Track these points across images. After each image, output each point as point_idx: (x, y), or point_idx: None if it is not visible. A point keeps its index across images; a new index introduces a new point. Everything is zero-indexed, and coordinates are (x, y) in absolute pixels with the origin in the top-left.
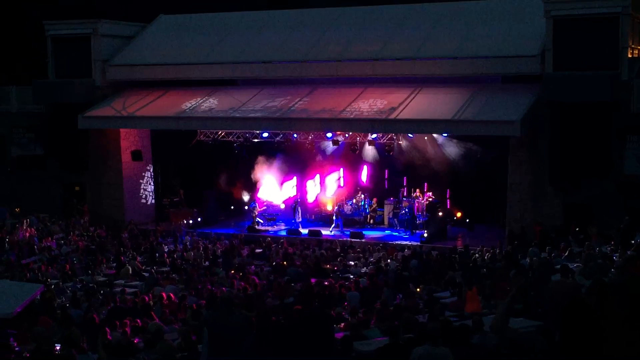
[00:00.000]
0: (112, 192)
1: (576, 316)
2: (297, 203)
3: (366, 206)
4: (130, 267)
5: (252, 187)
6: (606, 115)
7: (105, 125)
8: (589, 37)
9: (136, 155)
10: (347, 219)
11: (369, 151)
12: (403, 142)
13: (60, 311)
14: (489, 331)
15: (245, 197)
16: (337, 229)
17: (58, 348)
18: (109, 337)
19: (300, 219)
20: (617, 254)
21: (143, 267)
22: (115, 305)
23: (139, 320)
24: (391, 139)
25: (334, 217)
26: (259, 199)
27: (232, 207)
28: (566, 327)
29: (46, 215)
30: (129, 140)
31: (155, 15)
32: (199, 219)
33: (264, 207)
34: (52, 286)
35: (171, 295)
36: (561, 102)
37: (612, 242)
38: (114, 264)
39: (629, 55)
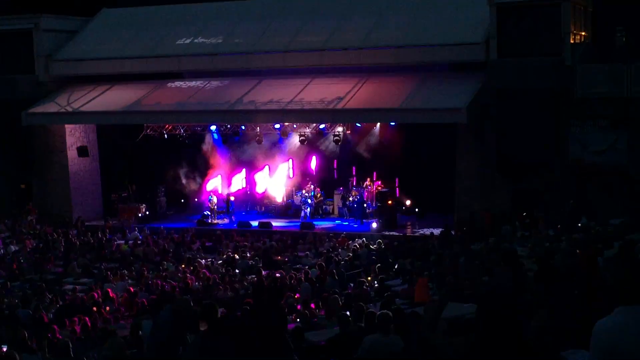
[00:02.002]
0: (59, 189)
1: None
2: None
3: (315, 197)
4: (76, 265)
5: (201, 180)
6: (551, 101)
7: (49, 122)
8: (533, 24)
9: (82, 151)
10: (297, 210)
11: (317, 142)
12: (351, 132)
13: (8, 311)
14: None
15: (194, 191)
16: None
17: (5, 349)
18: (58, 336)
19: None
20: (563, 238)
21: (91, 264)
22: (64, 303)
23: (87, 319)
24: (339, 129)
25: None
26: (215, 190)
27: (182, 201)
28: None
29: None
30: (74, 136)
31: (98, 10)
32: (147, 213)
33: (230, 197)
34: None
35: (131, 289)
36: (506, 89)
37: (559, 226)
38: (62, 262)
39: (572, 41)
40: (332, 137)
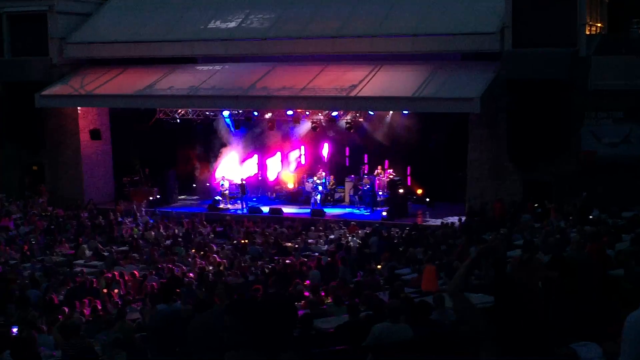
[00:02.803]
0: (71, 171)
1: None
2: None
3: (326, 184)
4: (87, 247)
5: (213, 165)
6: (564, 92)
7: (63, 104)
8: (548, 14)
9: (95, 134)
10: (308, 196)
11: (330, 128)
12: (364, 120)
13: (18, 292)
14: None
15: (206, 175)
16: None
17: (15, 330)
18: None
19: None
20: (575, 230)
21: (102, 247)
22: (74, 285)
23: (97, 301)
24: (352, 116)
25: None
26: (224, 177)
27: (194, 186)
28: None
29: (3, 195)
30: (87, 119)
31: None
32: (158, 197)
33: (242, 182)
34: (9, 268)
35: (136, 273)
36: (520, 79)
37: (570, 218)
38: (73, 244)
39: (587, 32)
40: (344, 124)
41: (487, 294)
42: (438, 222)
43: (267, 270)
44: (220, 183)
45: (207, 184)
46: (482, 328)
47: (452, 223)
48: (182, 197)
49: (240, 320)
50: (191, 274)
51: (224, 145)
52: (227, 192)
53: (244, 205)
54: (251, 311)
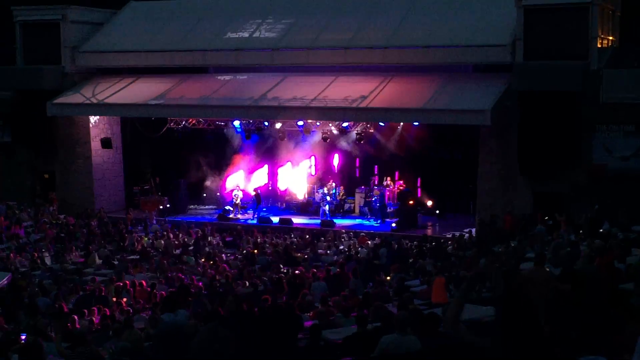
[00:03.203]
0: (82, 179)
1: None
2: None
3: (336, 194)
4: (97, 255)
5: (223, 175)
6: (576, 104)
7: (74, 113)
8: (560, 27)
9: (106, 143)
10: (317, 206)
11: (341, 139)
12: (374, 131)
13: (28, 300)
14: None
15: (216, 185)
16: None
17: (24, 337)
18: (77, 325)
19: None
20: (585, 243)
21: (112, 256)
22: (84, 293)
23: (106, 310)
24: (363, 127)
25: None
26: (238, 186)
27: (204, 195)
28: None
29: (14, 202)
30: (98, 127)
31: (125, 2)
32: (168, 206)
33: (257, 192)
34: (20, 275)
35: (143, 282)
36: (531, 92)
37: (581, 231)
38: (83, 252)
39: (599, 45)
40: (354, 135)
41: (496, 307)
42: (448, 234)
43: (275, 279)
44: (234, 193)
45: (218, 194)
46: (487, 350)
47: (462, 235)
48: (193, 206)
49: (239, 332)
50: (200, 283)
51: (234, 155)
52: (239, 202)
53: (256, 215)
54: (251, 323)
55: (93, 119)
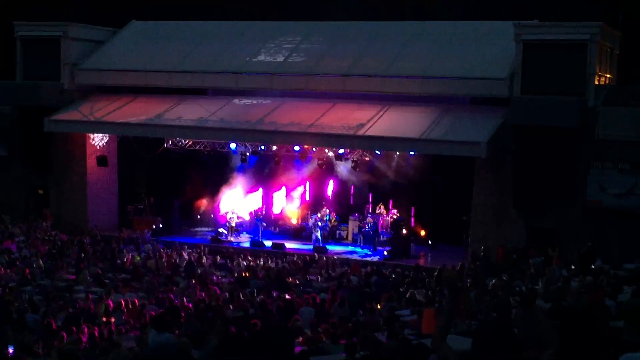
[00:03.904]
0: (76, 196)
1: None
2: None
3: (329, 221)
4: (88, 273)
5: (218, 197)
6: (572, 141)
7: (71, 130)
8: (558, 63)
9: (101, 161)
10: (310, 232)
11: (336, 166)
12: (370, 159)
13: (16, 315)
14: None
15: (210, 207)
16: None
17: (11, 351)
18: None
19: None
20: (577, 279)
21: (103, 274)
22: (73, 311)
23: (95, 328)
24: (359, 154)
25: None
26: (233, 210)
27: (198, 217)
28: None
29: (8, 217)
30: (95, 145)
31: (127, 21)
32: (161, 226)
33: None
34: (8, 290)
35: (136, 301)
36: (528, 126)
37: (573, 267)
38: (74, 269)
39: (596, 82)
40: (350, 162)
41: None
42: (440, 264)
43: (261, 303)
44: (229, 216)
45: (212, 216)
46: None
47: (454, 266)
48: (186, 227)
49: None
50: (190, 305)
51: (229, 177)
52: (234, 225)
53: (258, 236)
54: (243, 348)
55: (97, 136)
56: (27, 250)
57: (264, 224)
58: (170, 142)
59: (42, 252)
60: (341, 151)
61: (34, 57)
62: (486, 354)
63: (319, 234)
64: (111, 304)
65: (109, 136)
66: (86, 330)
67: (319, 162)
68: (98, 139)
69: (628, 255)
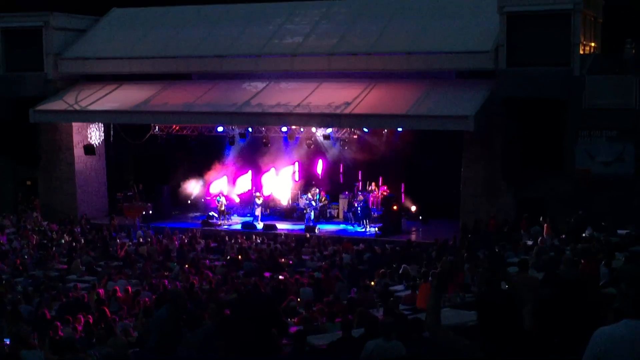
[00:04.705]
0: (65, 186)
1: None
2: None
3: (320, 200)
4: (80, 262)
5: (207, 181)
6: (559, 110)
7: (57, 120)
8: (542, 34)
9: (89, 150)
10: (302, 213)
11: (324, 145)
12: (358, 137)
13: (10, 307)
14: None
15: (199, 191)
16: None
17: (7, 343)
18: (60, 333)
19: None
20: (568, 248)
21: (96, 262)
22: (67, 300)
23: (90, 317)
24: (347, 133)
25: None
26: (222, 192)
27: (189, 202)
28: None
29: None
30: (81, 134)
31: (108, 9)
32: (151, 212)
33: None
34: (4, 281)
35: (129, 288)
36: (514, 98)
37: (563, 236)
38: (66, 259)
39: (581, 52)
40: (338, 141)
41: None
42: (432, 239)
43: (253, 284)
44: (218, 199)
45: (202, 200)
46: (469, 351)
47: (446, 240)
48: (176, 212)
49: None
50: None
51: (218, 161)
52: (224, 208)
53: (257, 218)
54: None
55: (93, 131)
56: (18, 242)
57: (260, 206)
58: (157, 128)
59: (33, 243)
60: (329, 130)
61: (17, 48)
62: (494, 326)
63: (312, 214)
64: (104, 292)
65: (104, 129)
66: (82, 319)
67: (307, 142)
68: (94, 135)
69: (618, 222)
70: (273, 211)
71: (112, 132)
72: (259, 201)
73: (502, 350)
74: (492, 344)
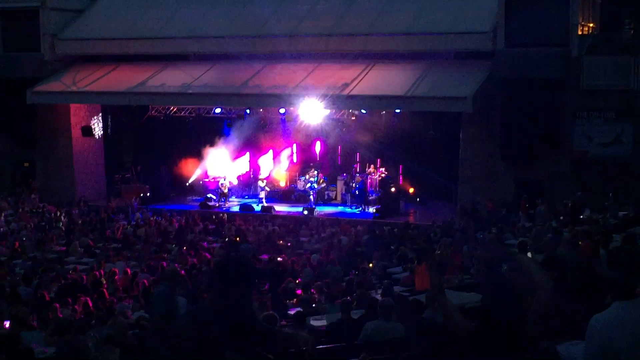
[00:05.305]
0: (63, 168)
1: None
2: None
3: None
4: (78, 244)
5: (205, 163)
6: (557, 91)
7: (54, 101)
8: (540, 14)
9: (86, 131)
10: (300, 194)
11: (323, 127)
12: (356, 118)
13: (9, 289)
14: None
15: (198, 173)
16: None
17: (7, 325)
18: (59, 314)
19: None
20: (567, 229)
21: (94, 244)
22: (65, 282)
23: (88, 299)
24: (345, 114)
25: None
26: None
27: (187, 185)
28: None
29: None
30: (79, 115)
31: None
32: (148, 195)
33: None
34: (3, 264)
35: (127, 270)
36: (513, 79)
37: (562, 217)
38: (64, 241)
39: (579, 32)
40: (337, 122)
41: (479, 293)
42: (430, 220)
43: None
44: (221, 182)
45: (200, 182)
46: (463, 326)
47: (444, 222)
48: (174, 194)
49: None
50: (183, 272)
51: (216, 142)
52: (226, 190)
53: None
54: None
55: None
56: (16, 223)
57: (266, 188)
58: (154, 109)
59: (32, 225)
60: (327, 112)
61: (13, 29)
62: (499, 308)
63: (312, 197)
64: (103, 273)
65: (87, 105)
66: (82, 300)
67: (304, 123)
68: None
69: (615, 204)
70: (271, 193)
71: (109, 115)
72: (262, 184)
73: (505, 338)
74: (495, 330)
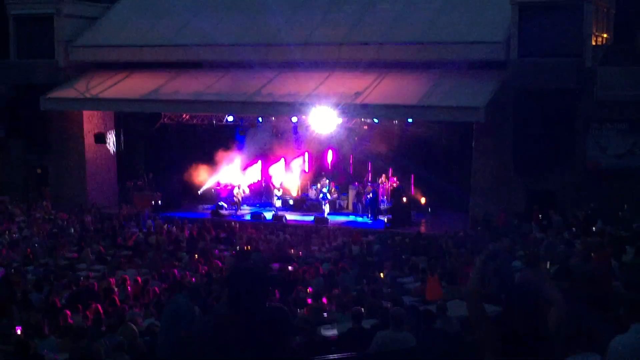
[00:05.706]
0: (75, 174)
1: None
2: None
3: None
4: (90, 251)
5: (217, 171)
6: (570, 102)
7: (68, 107)
8: (554, 24)
9: (99, 138)
10: (312, 203)
11: (335, 136)
12: (368, 127)
13: (21, 295)
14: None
15: (210, 181)
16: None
17: (19, 331)
18: (69, 320)
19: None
20: (579, 241)
21: (105, 251)
22: (77, 289)
23: (99, 306)
24: (357, 123)
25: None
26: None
27: (199, 193)
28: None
29: (7, 197)
30: (92, 122)
31: None
32: (159, 202)
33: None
34: (14, 270)
35: (138, 278)
36: (526, 89)
37: (574, 229)
38: (76, 248)
39: (593, 43)
40: (349, 131)
41: (491, 303)
42: (442, 231)
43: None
44: (235, 191)
45: (212, 190)
46: (488, 337)
47: (456, 232)
48: (186, 202)
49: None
50: (194, 279)
51: (228, 150)
52: (240, 198)
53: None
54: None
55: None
56: (28, 230)
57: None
58: (167, 116)
59: (43, 232)
60: (339, 121)
61: (28, 35)
62: (519, 317)
63: (327, 207)
64: (114, 281)
65: (100, 112)
66: (93, 307)
67: (316, 132)
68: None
69: (630, 216)
70: (283, 202)
71: (122, 122)
72: (278, 193)
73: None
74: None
